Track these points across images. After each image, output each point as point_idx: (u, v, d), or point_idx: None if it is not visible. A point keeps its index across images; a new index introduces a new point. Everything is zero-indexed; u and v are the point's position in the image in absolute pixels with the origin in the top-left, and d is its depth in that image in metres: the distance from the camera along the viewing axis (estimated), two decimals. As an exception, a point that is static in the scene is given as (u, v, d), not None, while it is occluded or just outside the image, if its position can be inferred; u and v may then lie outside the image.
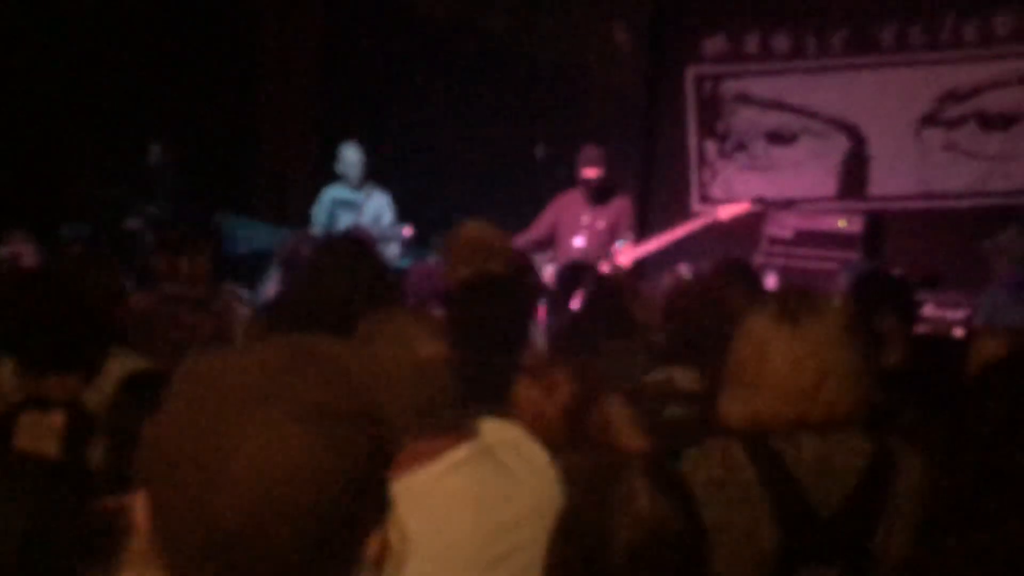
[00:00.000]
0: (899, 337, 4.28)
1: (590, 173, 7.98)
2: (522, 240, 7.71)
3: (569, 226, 8.01)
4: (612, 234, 7.96)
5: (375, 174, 8.95)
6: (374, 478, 1.18)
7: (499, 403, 3.04)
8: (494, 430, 2.61)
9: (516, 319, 3.67)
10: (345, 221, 8.66)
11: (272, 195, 10.65)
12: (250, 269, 8.88)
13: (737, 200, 9.06)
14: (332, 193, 8.87)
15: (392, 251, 8.39)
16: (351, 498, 1.15)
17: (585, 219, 7.98)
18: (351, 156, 8.79)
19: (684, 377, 3.78)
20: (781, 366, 2.64)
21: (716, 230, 9.69)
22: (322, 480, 1.12)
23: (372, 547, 1.19)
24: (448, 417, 2.45)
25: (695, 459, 2.68)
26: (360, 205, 8.74)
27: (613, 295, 4.49)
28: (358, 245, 4.21)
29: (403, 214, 8.94)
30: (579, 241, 7.92)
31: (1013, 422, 1.45)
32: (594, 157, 8.04)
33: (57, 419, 3.13)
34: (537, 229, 8.09)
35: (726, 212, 8.45)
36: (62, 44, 9.15)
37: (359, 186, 8.77)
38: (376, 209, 8.75)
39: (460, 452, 2.43)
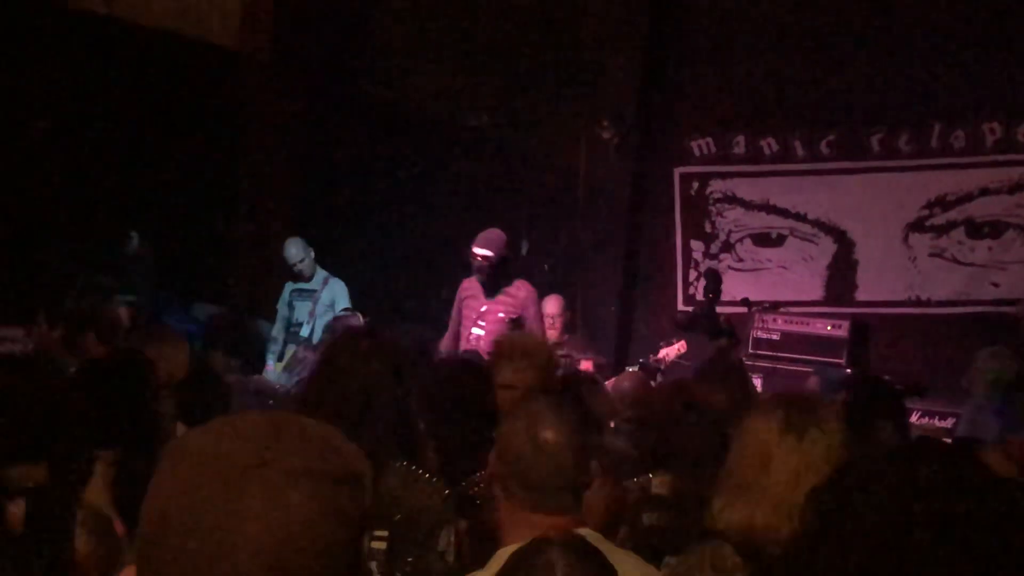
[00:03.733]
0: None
1: (478, 255, 7.47)
2: (448, 343, 7.47)
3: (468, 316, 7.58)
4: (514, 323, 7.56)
5: (355, 269, 8.96)
6: (359, 539, 1.23)
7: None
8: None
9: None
10: (302, 309, 8.82)
11: (248, 287, 10.54)
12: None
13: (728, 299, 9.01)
14: (292, 285, 9.05)
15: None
16: (342, 558, 1.19)
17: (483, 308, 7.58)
18: (291, 252, 8.94)
19: (659, 483, 3.74)
20: (783, 479, 2.60)
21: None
22: (321, 540, 1.17)
23: None
24: (565, 499, 2.57)
25: (683, 562, 2.66)
26: (316, 292, 8.84)
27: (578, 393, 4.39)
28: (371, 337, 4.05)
29: (384, 306, 8.91)
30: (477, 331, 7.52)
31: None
32: (485, 239, 7.51)
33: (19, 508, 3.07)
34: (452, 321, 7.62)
35: (667, 354, 8.23)
36: (46, 129, 9.09)
37: (308, 278, 8.93)
38: (331, 296, 8.86)
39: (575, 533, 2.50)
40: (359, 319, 8.43)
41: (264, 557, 1.15)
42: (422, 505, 3.07)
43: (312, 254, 8.97)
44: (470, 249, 7.45)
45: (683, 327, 8.34)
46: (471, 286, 7.55)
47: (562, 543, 2.12)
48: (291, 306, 8.94)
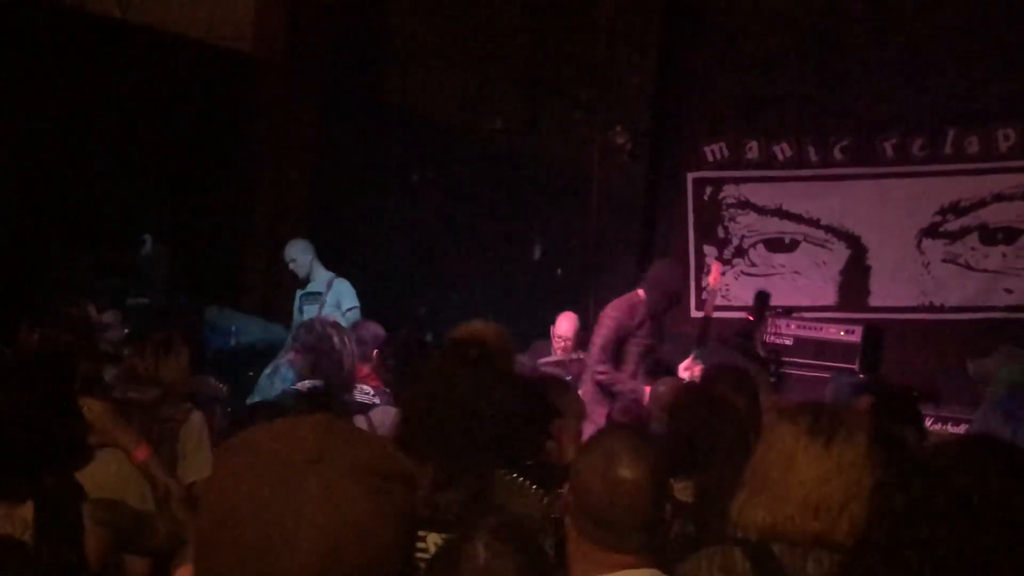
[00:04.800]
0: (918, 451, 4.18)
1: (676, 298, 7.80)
2: (614, 374, 7.45)
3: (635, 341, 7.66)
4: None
5: (369, 272, 9.01)
6: (411, 537, 1.26)
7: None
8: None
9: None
10: (309, 311, 8.84)
11: (263, 290, 10.57)
12: (240, 362, 8.78)
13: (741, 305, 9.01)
14: (301, 291, 9.16)
15: None
16: (395, 556, 1.21)
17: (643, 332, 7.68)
18: (287, 251, 9.08)
19: (681, 488, 3.72)
20: (809, 480, 2.58)
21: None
22: (376, 535, 1.19)
23: None
24: (637, 538, 2.52)
25: (693, 563, 2.64)
26: (322, 295, 8.90)
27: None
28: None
29: (397, 312, 8.94)
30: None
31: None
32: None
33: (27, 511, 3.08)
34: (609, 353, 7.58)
35: (713, 278, 8.34)
36: (61, 133, 9.12)
37: (303, 280, 9.02)
38: (336, 297, 8.91)
39: (641, 573, 2.50)
40: (355, 320, 8.43)
41: (321, 550, 1.16)
42: (525, 513, 3.01)
43: (310, 257, 9.02)
44: (675, 291, 7.71)
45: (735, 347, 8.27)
46: (636, 315, 7.55)
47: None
48: (301, 311, 8.98)
